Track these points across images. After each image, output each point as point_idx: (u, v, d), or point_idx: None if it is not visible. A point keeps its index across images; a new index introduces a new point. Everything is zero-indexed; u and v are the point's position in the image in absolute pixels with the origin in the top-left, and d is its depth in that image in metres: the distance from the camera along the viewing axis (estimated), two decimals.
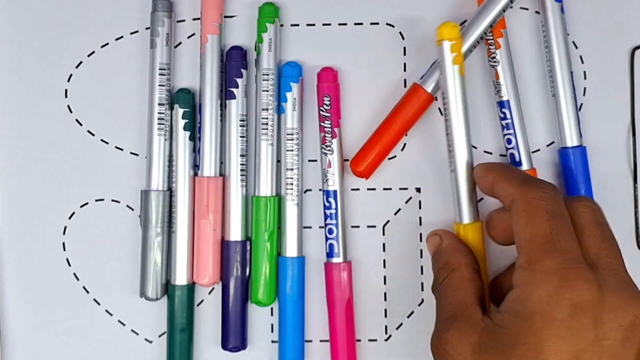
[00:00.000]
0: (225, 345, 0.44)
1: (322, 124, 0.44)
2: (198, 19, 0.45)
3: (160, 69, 0.44)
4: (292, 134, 0.44)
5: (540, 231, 0.35)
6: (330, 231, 0.44)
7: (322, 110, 0.43)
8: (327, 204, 0.44)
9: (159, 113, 0.44)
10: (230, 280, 0.44)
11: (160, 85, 0.44)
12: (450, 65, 0.42)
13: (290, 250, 0.44)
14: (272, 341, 0.45)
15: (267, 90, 0.44)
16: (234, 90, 0.44)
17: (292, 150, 0.44)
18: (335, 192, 0.44)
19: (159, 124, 0.44)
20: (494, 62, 0.44)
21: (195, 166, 0.45)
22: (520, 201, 0.37)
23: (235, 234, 0.44)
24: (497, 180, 0.39)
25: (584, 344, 0.33)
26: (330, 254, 0.44)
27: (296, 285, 0.44)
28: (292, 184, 0.44)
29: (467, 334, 0.36)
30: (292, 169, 0.44)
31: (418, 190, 0.46)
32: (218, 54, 0.44)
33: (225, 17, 0.46)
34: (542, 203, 0.36)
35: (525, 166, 0.44)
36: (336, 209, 0.44)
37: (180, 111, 0.44)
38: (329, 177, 0.44)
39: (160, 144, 0.44)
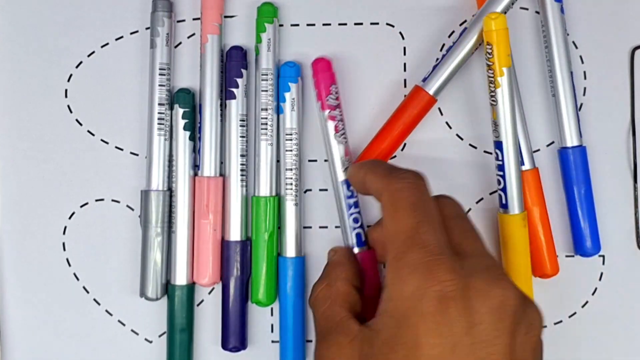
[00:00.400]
0: (225, 345, 0.44)
1: (332, 112, 0.43)
2: (198, 19, 0.45)
3: (160, 69, 0.44)
4: (291, 134, 0.44)
5: (405, 225, 0.35)
6: (356, 220, 0.43)
7: (331, 99, 0.43)
8: (348, 193, 0.43)
9: (159, 113, 0.44)
10: (230, 280, 0.44)
11: (160, 85, 0.44)
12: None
13: (290, 250, 0.44)
14: (272, 341, 0.45)
15: (266, 91, 0.44)
16: (234, 90, 0.44)
17: (291, 151, 0.44)
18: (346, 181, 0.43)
19: (159, 124, 0.44)
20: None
21: (196, 166, 0.45)
22: (385, 194, 0.37)
23: (235, 234, 0.44)
24: (366, 176, 0.39)
25: (458, 333, 0.33)
26: (359, 243, 0.43)
27: (296, 285, 0.44)
28: (291, 184, 0.44)
29: (347, 348, 0.35)
30: (291, 169, 0.44)
31: None
32: (218, 54, 0.44)
33: (225, 17, 0.46)
34: (405, 194, 0.36)
35: (527, 166, 0.44)
36: (358, 197, 0.43)
37: (180, 111, 0.44)
38: (349, 165, 0.43)
39: (160, 144, 0.44)
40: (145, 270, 0.44)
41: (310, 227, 0.46)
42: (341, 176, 0.43)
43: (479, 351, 0.33)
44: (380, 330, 0.34)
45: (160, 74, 0.44)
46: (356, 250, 0.43)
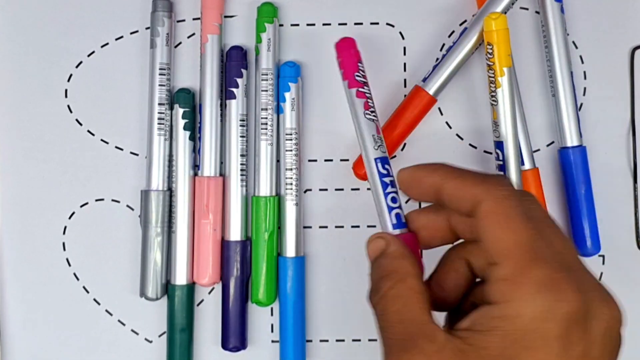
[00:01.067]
0: (225, 345, 0.44)
1: (360, 89, 0.41)
2: (198, 18, 0.45)
3: (160, 69, 0.44)
4: (291, 134, 0.44)
5: (522, 236, 0.31)
6: (394, 200, 0.39)
7: (358, 76, 0.41)
8: (383, 172, 0.40)
9: (159, 113, 0.44)
10: (230, 280, 0.44)
11: (160, 85, 0.44)
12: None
13: (290, 250, 0.44)
14: (272, 341, 0.45)
15: (266, 90, 0.44)
16: (234, 90, 0.44)
17: (291, 150, 0.44)
18: (385, 157, 0.40)
19: (159, 123, 0.44)
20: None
21: (196, 166, 0.45)
22: (489, 202, 0.32)
23: (235, 234, 0.44)
24: (446, 181, 0.34)
25: (576, 357, 0.31)
26: (398, 224, 0.39)
27: (296, 285, 0.44)
28: (291, 183, 0.44)
29: (436, 358, 0.31)
30: (291, 169, 0.44)
31: None
32: (218, 54, 0.44)
33: (225, 17, 0.46)
34: (515, 203, 0.32)
35: (527, 166, 0.44)
36: (394, 175, 0.40)
37: (180, 111, 0.44)
38: (381, 143, 0.40)
39: (160, 143, 0.44)
40: (145, 270, 0.44)
41: (310, 227, 0.46)
42: (373, 154, 0.40)
43: None
44: (485, 347, 0.31)
45: (160, 74, 0.44)
46: (397, 231, 0.38)
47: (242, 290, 0.44)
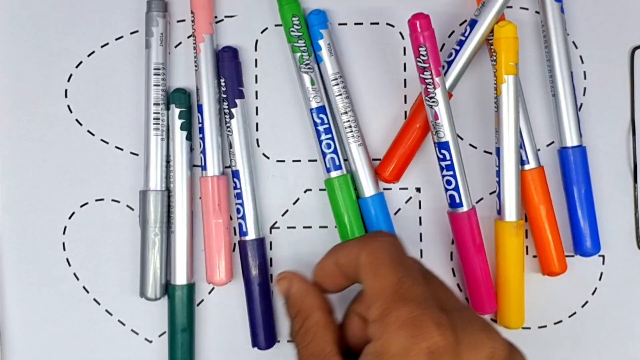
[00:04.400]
0: (256, 344, 0.44)
1: (421, 75, 0.42)
2: None
3: (155, 69, 0.44)
4: (337, 79, 0.44)
5: (389, 280, 0.34)
6: (449, 182, 0.43)
7: (419, 62, 0.42)
8: (440, 156, 0.43)
9: (154, 113, 0.44)
10: (253, 278, 0.44)
11: (155, 85, 0.44)
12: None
13: (367, 190, 0.44)
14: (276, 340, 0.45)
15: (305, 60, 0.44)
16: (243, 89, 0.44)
17: (340, 95, 0.44)
18: (447, 143, 0.42)
19: (154, 123, 0.44)
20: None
21: (194, 166, 0.45)
22: (364, 255, 0.36)
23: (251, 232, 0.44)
24: (337, 256, 0.38)
25: None
26: (452, 204, 0.43)
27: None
28: (350, 126, 0.44)
29: None
30: (346, 112, 0.44)
31: (418, 190, 0.46)
32: (213, 53, 0.44)
33: (226, 17, 0.46)
34: (384, 252, 0.36)
35: (532, 164, 0.44)
36: (451, 159, 0.42)
37: (177, 111, 0.44)
38: (439, 129, 0.42)
39: (157, 144, 0.44)
40: (145, 271, 0.44)
41: (310, 227, 0.46)
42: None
43: None
44: None
45: (155, 74, 0.44)
46: (450, 210, 0.42)
47: (267, 287, 0.44)
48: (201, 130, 0.44)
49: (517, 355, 0.35)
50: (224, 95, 0.44)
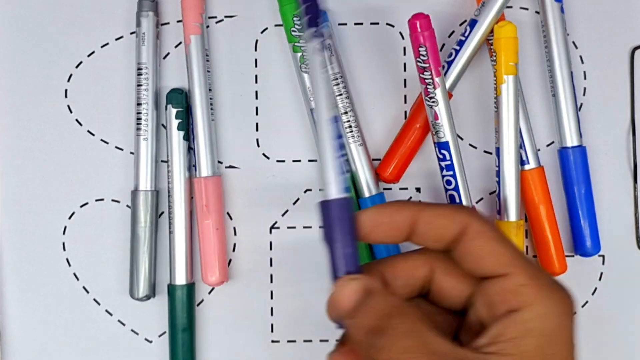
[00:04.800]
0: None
1: (421, 75, 0.42)
2: None
3: (137, 69, 0.44)
4: (337, 79, 0.44)
5: (517, 250, 0.34)
6: (449, 182, 0.43)
7: (419, 62, 0.42)
8: (440, 156, 0.43)
9: (137, 113, 0.44)
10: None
11: (138, 85, 0.44)
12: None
13: (366, 190, 0.44)
14: (272, 341, 0.45)
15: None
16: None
17: (341, 95, 0.44)
18: (447, 143, 0.42)
19: (137, 124, 0.44)
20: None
21: (193, 166, 0.45)
22: (477, 223, 0.33)
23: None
24: (423, 211, 0.34)
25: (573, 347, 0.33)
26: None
27: None
28: (350, 126, 0.44)
29: None
30: (346, 112, 0.44)
31: (418, 190, 0.46)
32: (202, 53, 0.44)
33: (226, 17, 0.46)
34: (491, 223, 0.34)
35: (532, 164, 0.44)
36: (451, 160, 0.42)
37: (174, 111, 0.44)
38: (439, 129, 0.42)
39: (141, 143, 0.44)
40: (134, 271, 0.44)
41: (310, 227, 0.46)
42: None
43: None
44: (523, 352, 0.32)
45: (137, 74, 0.44)
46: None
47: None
48: (192, 131, 0.44)
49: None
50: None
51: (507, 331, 0.32)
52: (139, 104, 0.44)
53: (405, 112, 0.46)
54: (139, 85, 0.44)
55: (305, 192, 0.46)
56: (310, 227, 0.46)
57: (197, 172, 0.44)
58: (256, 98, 0.46)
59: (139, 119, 0.44)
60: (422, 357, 0.30)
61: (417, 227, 0.34)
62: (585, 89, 0.46)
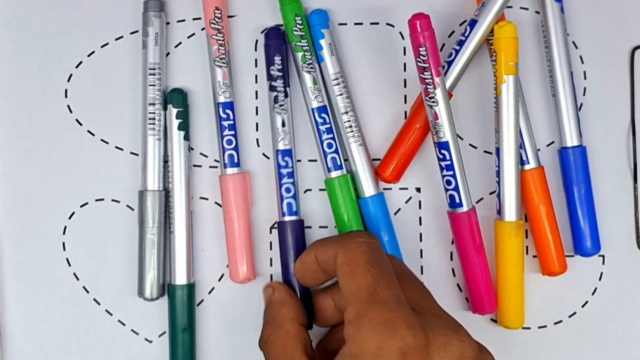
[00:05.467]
0: None
1: (421, 75, 0.42)
2: (198, 18, 0.45)
3: (150, 69, 0.44)
4: (337, 78, 0.44)
5: (364, 282, 0.35)
6: (449, 182, 0.43)
7: (419, 62, 0.42)
8: (440, 156, 0.43)
9: (150, 113, 0.44)
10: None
11: (150, 85, 0.44)
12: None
13: (367, 190, 0.44)
14: None
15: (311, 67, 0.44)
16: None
17: (341, 94, 0.44)
18: (447, 143, 0.42)
19: (150, 124, 0.44)
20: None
21: (195, 166, 0.45)
22: (341, 255, 0.37)
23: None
24: (317, 252, 0.39)
25: None
26: (452, 204, 0.43)
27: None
28: (350, 126, 0.44)
29: None
30: (346, 112, 0.44)
31: (418, 190, 0.46)
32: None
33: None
34: (360, 252, 0.37)
35: (532, 164, 0.44)
36: (451, 159, 0.42)
37: (174, 111, 0.44)
38: (439, 129, 0.42)
39: (154, 144, 0.44)
40: (142, 271, 0.44)
41: (310, 227, 0.45)
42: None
43: None
44: None
45: (150, 74, 0.44)
46: (449, 210, 0.43)
47: None
48: (232, 127, 0.44)
49: (487, 356, 0.36)
50: (280, 74, 0.44)
51: (337, 359, 0.35)
52: (151, 104, 0.44)
53: (405, 112, 0.46)
54: (151, 85, 0.44)
55: (305, 192, 0.46)
56: (310, 227, 0.45)
57: (224, 170, 0.44)
58: (256, 98, 0.46)
59: (152, 119, 0.44)
60: None
61: (321, 265, 0.39)
62: (585, 89, 0.46)
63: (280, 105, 0.44)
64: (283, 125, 0.44)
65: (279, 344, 0.39)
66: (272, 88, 0.44)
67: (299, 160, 0.46)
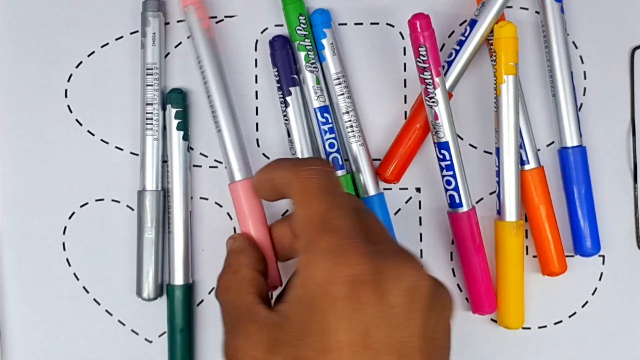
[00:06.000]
0: None
1: (421, 75, 0.42)
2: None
3: (147, 69, 0.44)
4: (339, 78, 0.44)
5: (316, 210, 0.34)
6: (449, 182, 0.43)
7: (419, 62, 0.42)
8: (440, 156, 0.43)
9: (147, 113, 0.44)
10: None
11: (148, 85, 0.44)
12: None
13: (370, 189, 0.44)
14: None
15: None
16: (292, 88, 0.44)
17: (342, 94, 0.44)
18: (447, 143, 0.42)
19: (147, 124, 0.44)
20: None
21: (195, 166, 0.45)
22: (295, 183, 0.36)
23: None
24: (274, 173, 0.38)
25: (371, 317, 0.32)
26: (452, 204, 0.43)
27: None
28: (351, 126, 0.44)
29: (256, 335, 0.34)
30: (347, 112, 0.44)
31: (418, 190, 0.46)
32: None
33: (226, 17, 0.46)
34: (315, 180, 0.36)
35: (532, 164, 0.44)
36: (451, 160, 0.42)
37: (173, 111, 0.44)
38: (439, 129, 0.42)
39: (151, 144, 0.44)
40: (141, 271, 0.44)
41: None
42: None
43: (392, 334, 0.32)
44: (290, 316, 0.34)
45: (147, 74, 0.44)
46: (450, 210, 0.43)
47: None
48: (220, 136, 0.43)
49: (442, 289, 0.35)
50: (278, 85, 0.44)
51: (287, 293, 0.34)
52: (149, 104, 0.44)
53: (405, 112, 0.46)
54: (149, 85, 0.44)
55: None
56: None
57: (231, 178, 0.43)
58: (256, 98, 0.46)
59: (149, 119, 0.44)
60: (229, 307, 0.37)
61: (276, 187, 0.38)
62: (585, 89, 0.46)
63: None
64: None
65: (232, 289, 0.38)
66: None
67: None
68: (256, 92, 0.46)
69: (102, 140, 0.46)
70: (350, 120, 0.44)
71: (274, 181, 0.38)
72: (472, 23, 0.44)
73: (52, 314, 0.45)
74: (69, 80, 0.46)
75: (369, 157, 0.44)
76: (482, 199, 0.46)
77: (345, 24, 0.46)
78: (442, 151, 0.42)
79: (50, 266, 0.45)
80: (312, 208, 0.35)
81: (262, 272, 0.39)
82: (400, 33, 0.46)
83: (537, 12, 0.46)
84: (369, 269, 0.32)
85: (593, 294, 0.46)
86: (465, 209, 0.43)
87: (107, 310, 0.45)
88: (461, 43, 0.44)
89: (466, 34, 0.44)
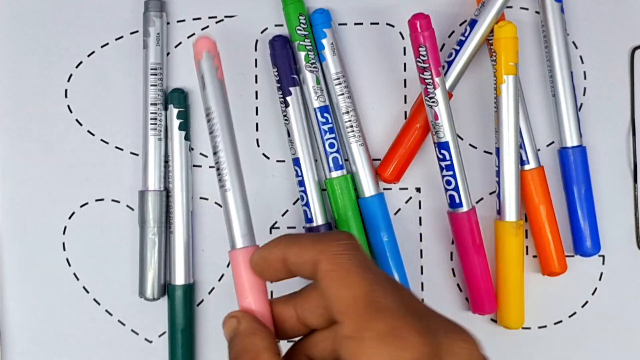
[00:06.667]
0: None
1: (421, 75, 0.42)
2: (198, 18, 0.45)
3: (152, 69, 0.44)
4: (339, 78, 0.44)
5: (359, 290, 0.31)
6: (449, 182, 0.43)
7: (419, 62, 0.42)
8: (440, 156, 0.43)
9: (152, 113, 0.44)
10: None
11: (152, 85, 0.44)
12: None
13: (367, 190, 0.44)
14: None
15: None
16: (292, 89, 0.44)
17: (342, 94, 0.44)
18: (447, 143, 0.42)
19: (152, 124, 0.44)
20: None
21: (195, 166, 0.45)
22: (324, 261, 0.32)
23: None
24: (287, 250, 0.34)
25: None
26: (452, 204, 0.43)
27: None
28: (351, 126, 0.44)
29: None
30: (347, 112, 0.44)
31: (418, 190, 0.46)
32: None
33: (226, 17, 0.46)
34: (347, 257, 0.32)
35: (532, 164, 0.44)
36: (451, 160, 0.42)
37: (175, 111, 0.44)
38: (439, 129, 0.42)
39: (155, 144, 0.44)
40: (143, 271, 0.44)
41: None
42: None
43: None
44: None
45: (152, 74, 0.44)
46: (450, 210, 0.43)
47: None
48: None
49: (482, 352, 0.33)
50: (278, 85, 0.44)
51: None
52: (153, 104, 0.44)
53: (405, 112, 0.46)
54: (153, 86, 0.44)
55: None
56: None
57: (231, 243, 0.37)
58: (256, 98, 0.46)
59: (153, 119, 0.44)
60: None
61: (289, 267, 0.34)
62: (585, 89, 0.46)
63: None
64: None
65: None
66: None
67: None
68: (256, 92, 0.46)
69: (102, 140, 0.46)
70: (350, 120, 0.44)
71: (288, 261, 0.34)
72: (472, 23, 0.44)
73: (52, 314, 0.45)
74: (69, 80, 0.46)
75: (369, 157, 0.44)
76: (482, 199, 0.46)
77: (345, 24, 0.46)
78: (442, 151, 0.42)
79: (50, 266, 0.45)
80: (353, 288, 0.31)
81: (279, 354, 0.35)
82: (400, 33, 0.46)
83: (537, 12, 0.46)
84: (429, 348, 0.30)
85: (593, 294, 0.46)
86: (465, 209, 0.43)
87: (107, 310, 0.45)
88: (461, 43, 0.44)
89: (466, 34, 0.44)
